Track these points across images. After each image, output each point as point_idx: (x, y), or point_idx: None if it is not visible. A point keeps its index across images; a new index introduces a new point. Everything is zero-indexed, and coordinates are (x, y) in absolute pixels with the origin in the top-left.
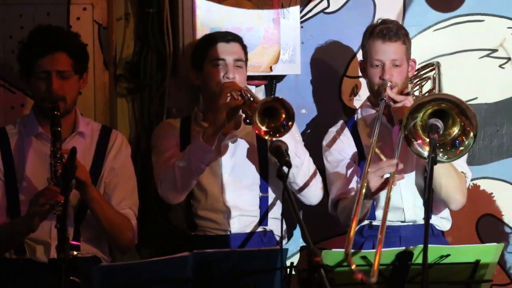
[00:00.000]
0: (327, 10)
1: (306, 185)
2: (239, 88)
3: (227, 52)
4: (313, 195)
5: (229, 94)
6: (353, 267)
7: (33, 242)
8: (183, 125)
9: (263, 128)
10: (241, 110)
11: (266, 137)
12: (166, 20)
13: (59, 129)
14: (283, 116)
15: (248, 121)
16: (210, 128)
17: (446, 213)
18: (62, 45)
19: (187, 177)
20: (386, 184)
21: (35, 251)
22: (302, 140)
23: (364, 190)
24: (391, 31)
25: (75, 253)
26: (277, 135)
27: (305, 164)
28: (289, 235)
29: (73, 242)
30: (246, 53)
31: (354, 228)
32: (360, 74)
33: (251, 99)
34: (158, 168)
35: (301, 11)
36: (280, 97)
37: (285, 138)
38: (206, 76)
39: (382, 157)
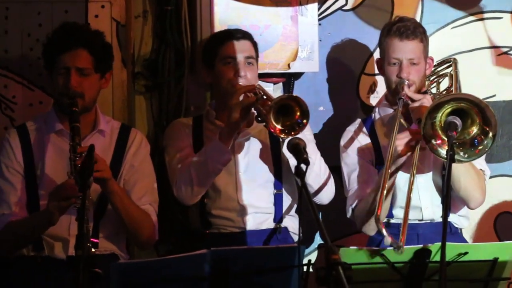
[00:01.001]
0: (345, 8)
1: (317, 185)
2: (252, 88)
3: (237, 50)
4: (324, 195)
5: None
6: (384, 231)
7: (51, 239)
8: (195, 123)
9: (278, 127)
10: (253, 108)
11: (282, 136)
12: (184, 17)
13: (77, 124)
14: (298, 113)
15: (260, 119)
16: (225, 128)
17: (464, 211)
18: (84, 42)
19: (204, 178)
20: (412, 148)
21: (53, 248)
22: (313, 139)
23: (389, 171)
24: (408, 29)
25: (93, 250)
26: (292, 133)
27: (317, 164)
28: (306, 235)
29: (91, 239)
30: (256, 49)
31: (384, 194)
32: (377, 71)
33: (264, 96)
34: (172, 170)
35: (319, 9)
36: (294, 95)
37: None
38: (217, 74)
39: (407, 125)
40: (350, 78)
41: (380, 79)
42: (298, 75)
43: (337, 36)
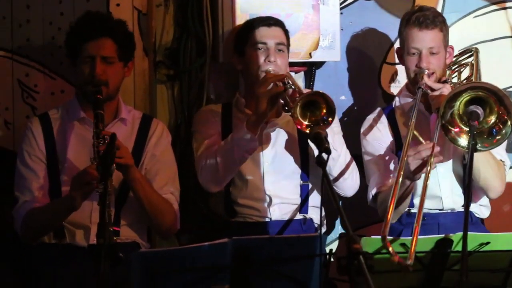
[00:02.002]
0: None
1: (342, 176)
2: (281, 77)
3: (268, 36)
4: (349, 187)
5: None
6: (390, 249)
7: (72, 227)
8: (224, 111)
9: (305, 123)
10: (281, 98)
11: (306, 131)
12: (205, 6)
13: (101, 111)
14: (324, 110)
15: (287, 108)
16: (253, 117)
17: (485, 200)
18: (108, 31)
19: (230, 166)
20: (424, 165)
21: (74, 235)
22: (340, 130)
23: (402, 173)
24: (428, 18)
25: (114, 238)
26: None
27: (342, 156)
28: (329, 225)
29: (113, 228)
30: (288, 37)
31: (391, 211)
32: (398, 61)
33: (292, 86)
34: (198, 156)
35: None
36: (322, 92)
37: None
38: (247, 60)
39: (421, 139)
40: (371, 67)
41: (401, 68)
42: (319, 64)
43: (358, 25)
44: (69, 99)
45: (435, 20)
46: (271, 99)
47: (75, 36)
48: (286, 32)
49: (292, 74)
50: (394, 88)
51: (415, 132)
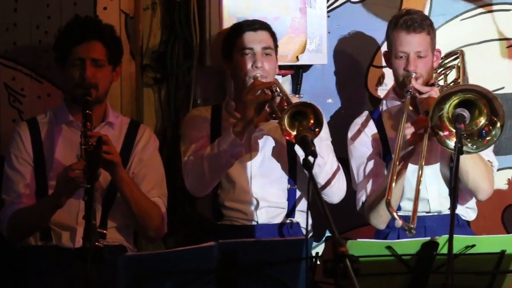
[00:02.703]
0: (353, 0)
1: (328, 184)
2: (269, 85)
3: (254, 40)
4: (335, 194)
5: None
6: (395, 214)
7: (59, 228)
8: (214, 114)
9: (293, 133)
10: (268, 105)
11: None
12: (192, 9)
13: (90, 112)
14: (312, 121)
15: (274, 115)
16: (239, 123)
17: (472, 203)
18: (98, 34)
19: (216, 170)
20: (420, 137)
21: (61, 237)
22: (329, 137)
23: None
24: (415, 22)
25: (101, 240)
26: None
27: (328, 164)
28: (315, 229)
29: (99, 230)
30: (275, 40)
31: (393, 178)
32: (385, 64)
33: (280, 94)
34: (185, 161)
35: (327, 1)
36: (310, 102)
37: None
38: (235, 65)
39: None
40: (358, 70)
41: (388, 72)
42: (306, 67)
43: (346, 28)
44: (57, 105)
45: (423, 24)
46: (258, 106)
47: (64, 40)
48: (273, 35)
49: (279, 77)
50: (381, 91)
51: (411, 107)
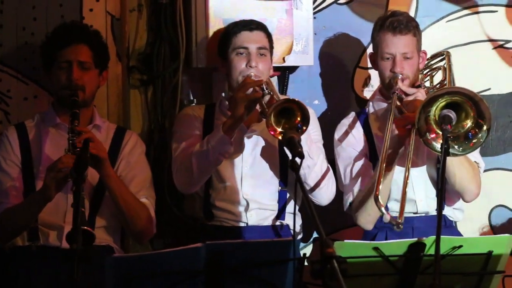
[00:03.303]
0: (340, 1)
1: (317, 186)
2: (260, 83)
3: (250, 40)
4: (324, 196)
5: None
6: (383, 209)
7: (46, 228)
8: (207, 112)
9: (279, 129)
10: (258, 104)
11: (280, 137)
12: (179, 11)
13: (77, 111)
14: (298, 118)
15: (263, 114)
16: (229, 120)
17: (459, 204)
18: (84, 38)
19: (204, 167)
20: (408, 132)
21: (48, 236)
22: (321, 139)
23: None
24: (401, 23)
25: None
26: None
27: (318, 166)
28: (307, 231)
29: (87, 228)
30: (271, 41)
31: (381, 174)
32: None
33: (270, 93)
34: (175, 157)
35: (314, 2)
36: (297, 100)
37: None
38: (229, 64)
39: (404, 110)
40: (344, 71)
41: (374, 73)
42: (293, 69)
43: (332, 29)
44: (43, 107)
45: (409, 25)
46: (248, 104)
47: (51, 43)
48: (268, 36)
49: None
50: (367, 92)
51: (398, 103)
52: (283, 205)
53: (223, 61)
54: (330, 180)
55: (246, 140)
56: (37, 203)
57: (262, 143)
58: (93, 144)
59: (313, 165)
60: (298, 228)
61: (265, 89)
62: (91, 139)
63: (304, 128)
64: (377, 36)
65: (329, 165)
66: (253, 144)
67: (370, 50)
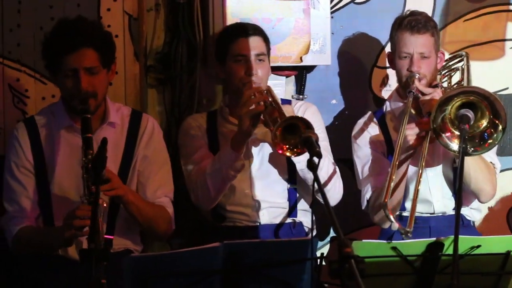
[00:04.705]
0: (357, 0)
1: (324, 187)
2: (263, 98)
3: (247, 47)
4: (331, 198)
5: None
6: (391, 217)
7: None
8: (209, 120)
9: (286, 146)
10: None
11: (287, 154)
12: (196, 10)
13: (90, 135)
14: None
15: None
16: (237, 136)
17: (476, 203)
18: (88, 41)
19: (220, 185)
20: (421, 139)
21: (67, 248)
22: (326, 137)
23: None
24: (419, 23)
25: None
26: (295, 150)
27: (325, 168)
28: (318, 228)
29: (107, 236)
30: (268, 44)
31: (391, 180)
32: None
33: (273, 104)
34: (189, 176)
35: (331, 1)
36: (299, 116)
37: None
38: (228, 71)
39: (420, 108)
40: (362, 71)
41: (392, 72)
42: (310, 68)
43: (349, 29)
44: (54, 102)
45: (427, 25)
46: (253, 118)
47: (53, 49)
48: (265, 40)
49: (283, 78)
50: (385, 92)
51: (413, 111)
52: (294, 203)
53: (221, 65)
54: (337, 180)
55: (251, 143)
56: (56, 245)
57: (267, 144)
58: (108, 186)
59: (319, 168)
60: (310, 225)
61: (267, 101)
62: (108, 178)
63: None
64: (395, 35)
65: (335, 166)
66: (259, 147)
67: (388, 49)
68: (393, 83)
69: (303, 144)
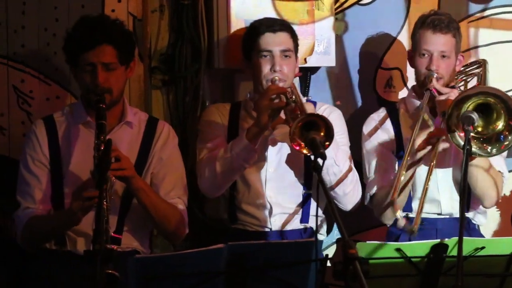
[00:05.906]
0: (361, 2)
1: (343, 192)
2: (284, 91)
3: (273, 43)
4: (350, 201)
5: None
6: (397, 214)
7: (74, 234)
8: (232, 112)
9: (303, 143)
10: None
11: (304, 151)
12: (200, 11)
13: (103, 122)
14: (322, 134)
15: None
16: (253, 128)
17: (483, 207)
18: (107, 37)
19: (228, 173)
20: (432, 145)
21: (75, 243)
22: (347, 142)
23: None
24: (442, 22)
25: (114, 247)
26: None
27: (344, 172)
28: (329, 231)
29: (114, 235)
30: (296, 40)
31: (400, 178)
32: (394, 66)
33: (295, 101)
34: (199, 160)
35: (335, 3)
36: (320, 114)
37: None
38: (254, 67)
39: (430, 123)
40: (366, 72)
41: (396, 74)
42: (314, 70)
43: (353, 30)
44: (63, 105)
45: (450, 26)
46: (272, 113)
47: (73, 45)
48: (293, 36)
49: None
50: (389, 93)
51: (425, 116)
52: (307, 209)
53: (247, 62)
54: (356, 185)
55: (270, 143)
56: (64, 225)
57: (286, 146)
58: (118, 164)
59: (339, 172)
60: (322, 231)
61: (289, 97)
62: (118, 157)
63: (327, 144)
64: (417, 33)
65: (355, 170)
66: (278, 147)
67: (392, 51)
68: (397, 84)
69: (308, 145)
